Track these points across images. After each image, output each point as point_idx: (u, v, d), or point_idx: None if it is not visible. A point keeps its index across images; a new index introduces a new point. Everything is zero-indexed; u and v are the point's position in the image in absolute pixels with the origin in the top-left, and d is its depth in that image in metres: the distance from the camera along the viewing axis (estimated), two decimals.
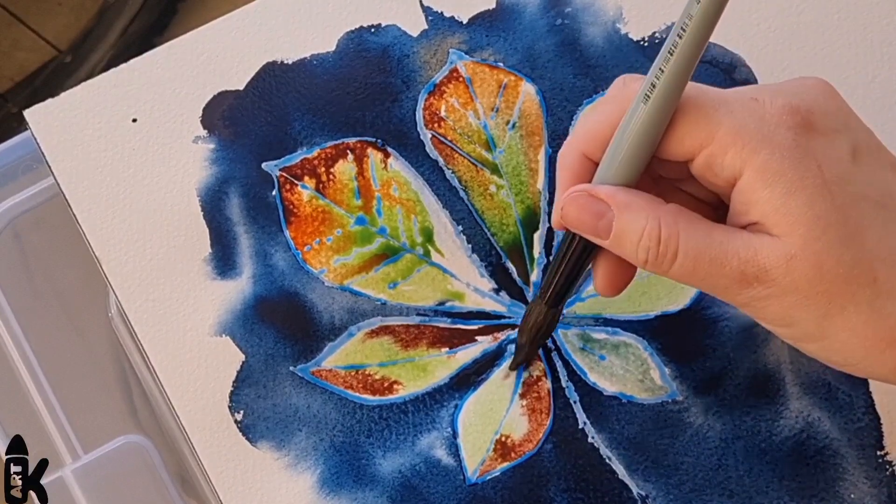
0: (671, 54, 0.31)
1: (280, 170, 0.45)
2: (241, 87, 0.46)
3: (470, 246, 0.45)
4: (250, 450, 0.43)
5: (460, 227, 0.45)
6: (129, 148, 0.46)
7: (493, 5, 0.47)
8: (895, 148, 0.35)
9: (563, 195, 0.35)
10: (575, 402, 0.43)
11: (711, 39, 0.45)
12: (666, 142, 0.33)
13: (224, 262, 0.45)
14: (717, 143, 0.32)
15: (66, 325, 0.46)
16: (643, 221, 0.33)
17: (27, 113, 0.46)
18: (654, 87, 0.32)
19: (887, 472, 0.43)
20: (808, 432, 0.43)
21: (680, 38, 0.31)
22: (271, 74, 0.46)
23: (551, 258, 0.36)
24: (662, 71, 0.32)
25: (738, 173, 0.32)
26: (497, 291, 0.45)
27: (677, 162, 0.34)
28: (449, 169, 0.45)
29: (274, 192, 0.45)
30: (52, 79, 1.10)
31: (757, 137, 0.32)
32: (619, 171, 0.34)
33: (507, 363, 0.44)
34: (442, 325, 0.44)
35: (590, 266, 0.37)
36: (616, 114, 0.34)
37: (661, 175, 0.37)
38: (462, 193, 0.45)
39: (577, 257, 0.37)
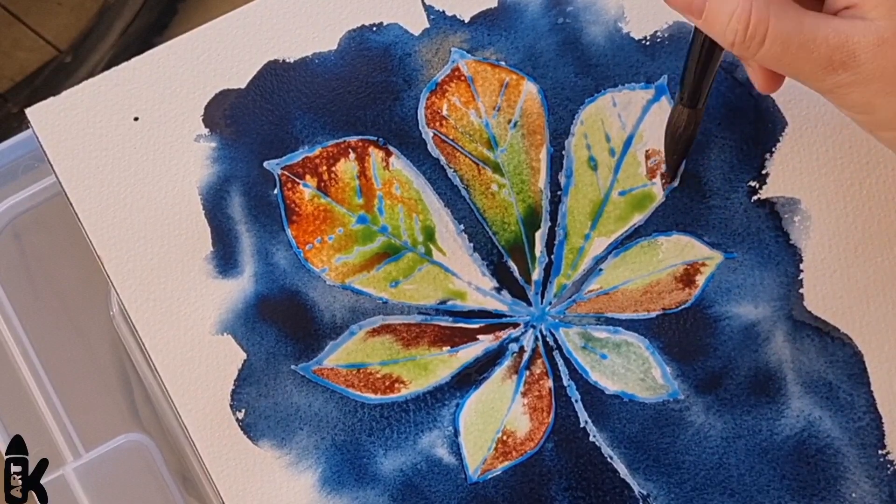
0: None
1: (282, 168, 0.45)
2: (243, 86, 0.46)
3: (471, 245, 0.45)
4: (252, 448, 0.43)
5: (462, 226, 0.45)
6: (130, 146, 0.46)
7: (494, 4, 0.47)
8: None
9: None
10: (576, 401, 0.43)
11: None
12: None
13: (225, 260, 0.45)
14: None
15: (67, 325, 0.46)
16: (734, 4, 0.33)
17: (29, 111, 0.46)
18: None
19: (889, 471, 0.43)
20: (809, 431, 0.43)
21: None
22: (273, 73, 0.46)
23: (685, 61, 0.37)
24: None
25: None
26: (499, 290, 0.45)
27: None
28: (450, 168, 0.45)
29: (275, 191, 0.45)
30: (52, 79, 1.10)
31: None
32: None
33: (508, 362, 0.44)
34: (443, 323, 0.44)
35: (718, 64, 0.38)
36: None
37: None
38: (464, 192, 0.45)
39: (705, 53, 0.37)
